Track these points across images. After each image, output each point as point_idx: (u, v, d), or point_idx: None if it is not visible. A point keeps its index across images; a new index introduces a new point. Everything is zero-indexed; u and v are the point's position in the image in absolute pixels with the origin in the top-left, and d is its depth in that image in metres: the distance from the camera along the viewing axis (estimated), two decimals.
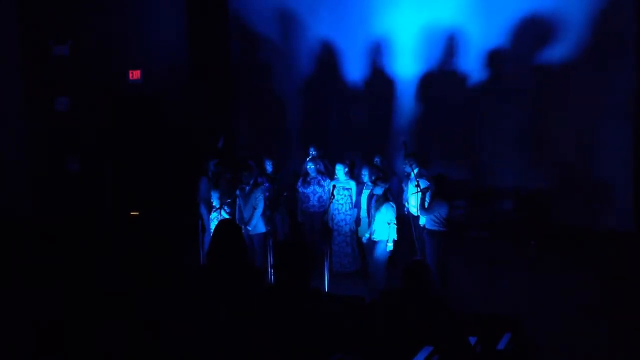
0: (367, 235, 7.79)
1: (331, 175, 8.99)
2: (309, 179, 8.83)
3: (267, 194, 8.73)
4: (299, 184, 8.92)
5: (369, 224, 7.85)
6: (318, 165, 8.86)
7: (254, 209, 8.06)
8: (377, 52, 11.20)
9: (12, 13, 11.08)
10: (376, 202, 7.66)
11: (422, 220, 7.77)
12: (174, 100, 11.26)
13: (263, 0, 11.73)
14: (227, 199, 8.40)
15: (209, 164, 9.14)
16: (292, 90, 11.87)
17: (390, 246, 7.58)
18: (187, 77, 11.50)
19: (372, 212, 7.76)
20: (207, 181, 9.06)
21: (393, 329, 4.31)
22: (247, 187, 8.17)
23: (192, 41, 11.56)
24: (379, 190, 7.66)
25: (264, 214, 8.15)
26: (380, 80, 11.23)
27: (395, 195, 8.47)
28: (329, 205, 8.64)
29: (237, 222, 8.08)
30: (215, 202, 8.57)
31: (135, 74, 11.33)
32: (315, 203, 8.79)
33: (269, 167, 9.19)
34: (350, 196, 8.61)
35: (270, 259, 7.94)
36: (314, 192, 8.79)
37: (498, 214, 10.43)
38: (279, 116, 11.86)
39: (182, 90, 11.31)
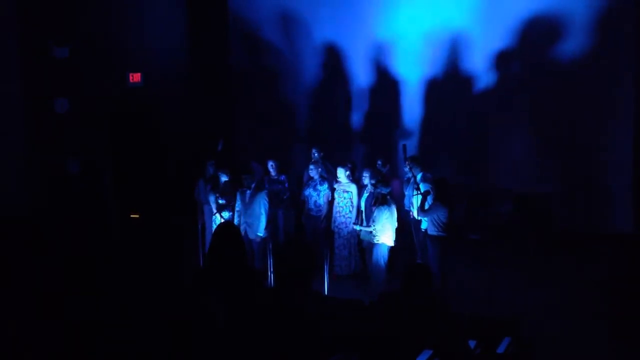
0: (367, 238, 7.79)
1: (333, 177, 9.00)
2: (309, 182, 8.87)
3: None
4: (304, 187, 8.98)
5: (368, 226, 7.88)
6: (320, 169, 8.87)
7: (261, 214, 8.03)
8: (381, 55, 11.20)
9: (12, 14, 11.08)
10: (377, 204, 7.67)
11: (424, 225, 7.78)
12: (174, 102, 11.26)
13: (264, 2, 11.73)
14: (226, 202, 8.38)
15: (207, 165, 9.15)
16: (294, 93, 11.87)
17: (377, 238, 7.59)
18: (188, 80, 11.50)
19: (372, 215, 7.76)
20: (205, 183, 9.07)
21: (393, 332, 4.31)
22: (249, 192, 8.15)
23: (193, 43, 11.57)
24: (379, 193, 7.67)
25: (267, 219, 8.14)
26: (384, 82, 11.23)
27: (397, 199, 8.48)
28: (329, 209, 8.66)
29: (237, 224, 8.06)
30: (213, 205, 8.55)
31: (135, 77, 11.33)
32: (312, 207, 8.80)
33: (271, 169, 9.18)
34: (351, 199, 8.60)
35: (270, 263, 7.93)
36: (310, 195, 8.81)
37: (498, 216, 10.43)
38: (280, 119, 11.86)
39: (183, 93, 11.31)
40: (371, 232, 7.66)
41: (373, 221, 7.62)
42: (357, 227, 8.05)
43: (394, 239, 7.69)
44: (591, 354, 6.18)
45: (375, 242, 7.62)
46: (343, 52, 11.42)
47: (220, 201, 8.34)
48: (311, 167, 8.85)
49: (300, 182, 9.21)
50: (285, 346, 3.30)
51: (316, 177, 8.79)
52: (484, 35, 10.42)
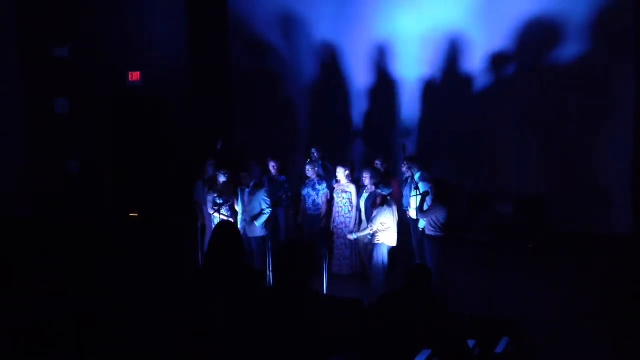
0: (370, 238, 7.79)
1: (332, 177, 8.99)
2: (306, 182, 8.85)
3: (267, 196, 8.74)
4: (303, 186, 8.96)
5: (368, 226, 7.87)
6: (317, 169, 8.86)
7: (261, 211, 8.04)
8: (380, 55, 11.18)
9: (11, 14, 11.08)
10: (377, 205, 7.66)
11: (422, 224, 7.78)
12: (173, 101, 11.26)
13: (264, 2, 11.73)
14: (224, 201, 8.38)
15: (205, 165, 9.16)
16: (293, 93, 11.85)
17: (376, 238, 7.58)
18: (187, 79, 11.50)
19: (372, 216, 7.75)
20: (203, 183, 9.09)
21: (392, 332, 4.32)
22: (247, 190, 8.16)
23: (192, 43, 11.56)
24: (380, 194, 7.66)
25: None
26: (383, 82, 11.22)
27: (396, 199, 8.46)
28: (329, 208, 8.66)
29: (236, 223, 8.07)
30: (210, 205, 8.55)
31: (134, 76, 11.33)
32: (310, 206, 8.81)
33: (272, 169, 9.17)
34: (350, 199, 8.60)
35: (269, 262, 7.94)
36: (308, 195, 8.80)
37: (498, 217, 10.43)
38: (280, 119, 11.85)
39: (182, 92, 11.31)
40: (371, 234, 7.66)
41: (371, 221, 7.61)
42: (354, 236, 8.05)
43: (393, 240, 7.68)
44: (591, 354, 6.19)
45: (375, 242, 7.61)
46: (342, 52, 11.40)
47: (218, 201, 8.34)
48: (307, 166, 8.83)
49: (299, 182, 9.19)
50: (285, 346, 3.30)
51: (313, 176, 8.79)
52: (483, 35, 10.41)
